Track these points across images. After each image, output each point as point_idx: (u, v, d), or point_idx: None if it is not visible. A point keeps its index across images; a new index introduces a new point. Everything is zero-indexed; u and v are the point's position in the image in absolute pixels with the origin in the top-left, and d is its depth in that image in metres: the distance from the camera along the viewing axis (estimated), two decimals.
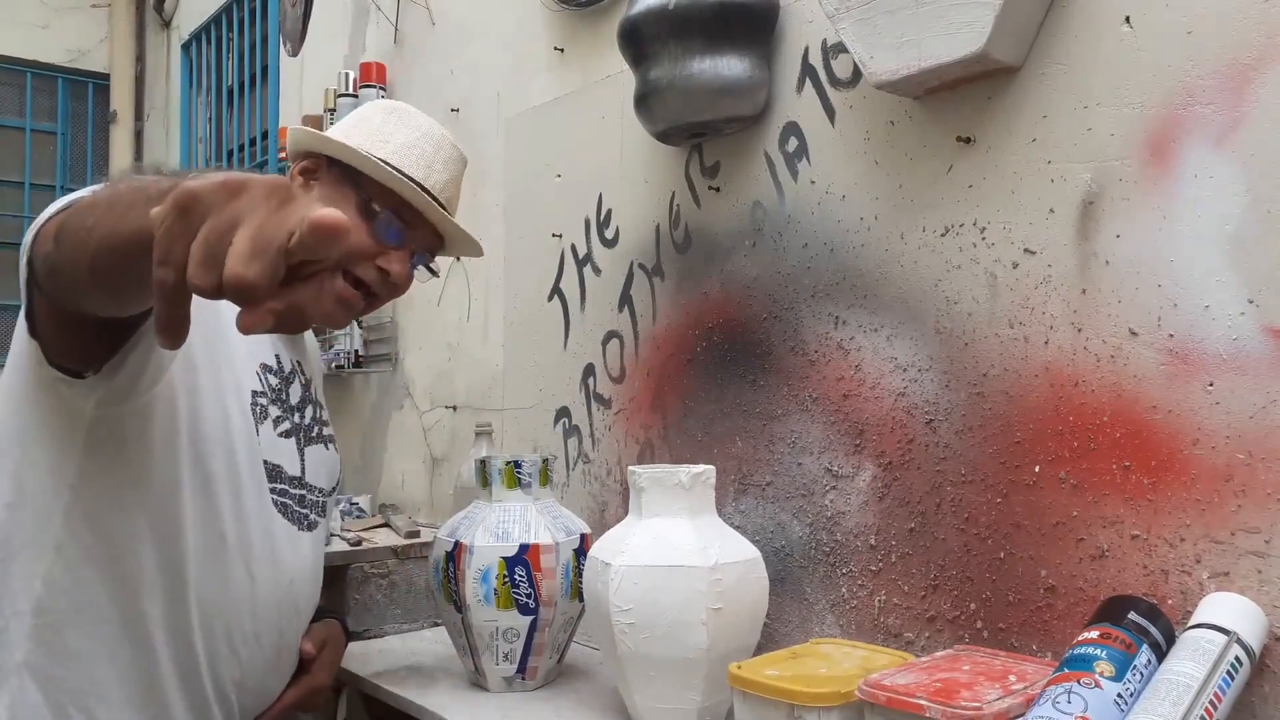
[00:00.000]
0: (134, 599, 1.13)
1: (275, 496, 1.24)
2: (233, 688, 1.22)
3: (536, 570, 1.50)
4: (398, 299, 2.64)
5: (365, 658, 1.81)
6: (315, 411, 1.39)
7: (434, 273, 1.43)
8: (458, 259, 2.39)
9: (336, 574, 2.20)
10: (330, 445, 1.41)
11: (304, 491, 1.32)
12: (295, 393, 1.34)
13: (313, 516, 1.34)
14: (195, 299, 1.12)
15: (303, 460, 1.32)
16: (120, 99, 5.06)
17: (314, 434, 1.36)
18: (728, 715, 1.28)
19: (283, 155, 3.14)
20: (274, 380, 1.29)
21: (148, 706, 1.15)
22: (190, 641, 1.17)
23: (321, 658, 1.41)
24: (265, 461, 1.23)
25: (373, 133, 1.33)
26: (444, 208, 1.36)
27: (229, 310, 1.24)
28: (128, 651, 1.14)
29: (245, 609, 1.21)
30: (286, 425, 1.29)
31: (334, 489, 1.42)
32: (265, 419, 1.24)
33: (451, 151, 1.38)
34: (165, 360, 1.09)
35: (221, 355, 1.18)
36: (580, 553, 1.55)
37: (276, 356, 1.31)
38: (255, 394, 1.23)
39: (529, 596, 1.49)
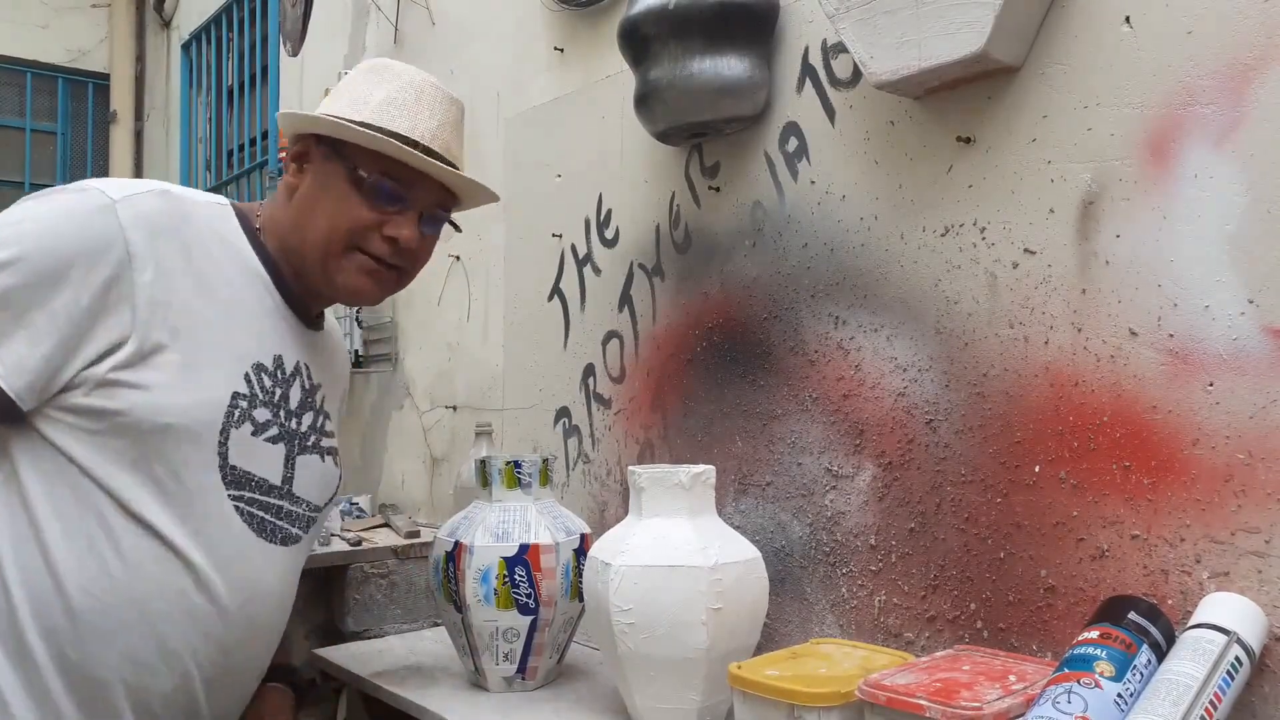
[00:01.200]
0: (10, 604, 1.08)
1: (240, 504, 1.16)
2: (161, 704, 1.14)
3: (536, 570, 1.50)
4: (400, 297, 2.65)
5: (365, 658, 1.81)
6: (317, 420, 1.30)
7: (456, 227, 1.36)
8: (458, 258, 2.39)
9: (336, 574, 2.20)
10: (328, 458, 1.32)
11: (284, 503, 1.22)
12: (294, 397, 1.25)
13: (293, 531, 1.25)
14: (181, 279, 1.11)
15: (290, 470, 1.23)
16: (120, 99, 5.06)
17: (309, 444, 1.28)
18: (728, 715, 1.28)
19: (282, 155, 3.14)
20: (268, 382, 1.20)
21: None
22: (86, 652, 1.09)
23: None
24: (233, 467, 1.15)
25: (354, 98, 1.23)
26: (441, 156, 1.25)
27: (230, 306, 1.16)
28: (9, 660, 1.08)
29: (181, 620, 1.12)
30: (274, 431, 1.20)
31: (328, 504, 1.33)
32: (243, 422, 1.15)
33: (436, 95, 1.27)
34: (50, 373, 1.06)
35: (205, 355, 1.13)
36: (580, 553, 1.55)
37: (278, 357, 1.23)
38: (237, 396, 1.15)
39: (529, 596, 1.49)
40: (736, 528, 1.46)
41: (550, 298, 2.06)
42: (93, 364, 1.06)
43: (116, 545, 1.09)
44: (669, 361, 1.75)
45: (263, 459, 1.18)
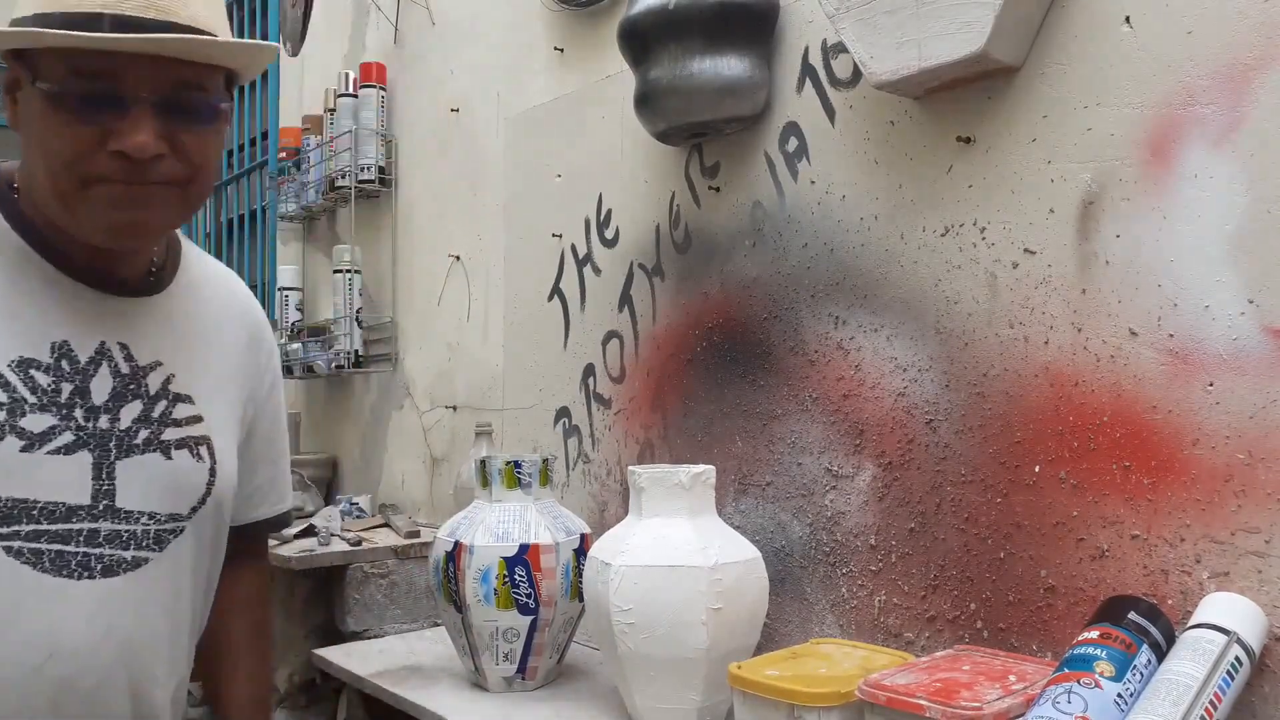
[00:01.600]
0: None
1: (13, 543, 0.92)
2: None
3: (536, 570, 1.50)
4: (400, 297, 2.65)
5: (365, 657, 1.81)
6: (154, 409, 1.02)
7: (224, 107, 0.98)
8: (458, 258, 2.39)
9: (336, 574, 2.21)
10: (181, 452, 1.03)
11: (103, 524, 0.97)
12: (100, 387, 0.99)
13: (125, 555, 0.98)
14: None
15: (107, 481, 0.97)
16: None
17: (139, 441, 1.00)
18: (728, 715, 1.29)
19: (282, 155, 3.15)
20: (43, 378, 0.95)
21: None
22: None
23: None
24: None
25: None
26: (151, 21, 0.90)
27: None
28: None
29: None
30: (67, 438, 0.95)
31: (199, 508, 1.04)
32: (3, 437, 0.92)
33: None
34: None
35: None
36: (580, 553, 1.55)
37: (62, 344, 0.97)
38: None
39: (529, 596, 1.50)
40: (736, 528, 1.47)
41: (550, 298, 2.06)
42: None
43: None
44: (669, 361, 1.75)
45: (49, 477, 0.94)
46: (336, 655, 1.84)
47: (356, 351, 2.78)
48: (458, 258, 2.39)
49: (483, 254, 2.31)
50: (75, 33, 0.87)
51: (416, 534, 2.34)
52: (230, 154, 4.08)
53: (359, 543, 2.28)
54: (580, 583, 1.52)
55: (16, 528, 0.92)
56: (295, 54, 3.06)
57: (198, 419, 1.05)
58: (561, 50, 2.06)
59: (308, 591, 2.47)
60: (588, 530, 1.61)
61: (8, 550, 0.91)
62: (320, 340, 2.83)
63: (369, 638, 2.10)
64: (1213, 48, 1.06)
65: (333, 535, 2.32)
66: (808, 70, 1.52)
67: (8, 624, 0.91)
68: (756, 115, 1.58)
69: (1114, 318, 1.14)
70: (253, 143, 3.87)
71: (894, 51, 1.28)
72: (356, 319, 2.79)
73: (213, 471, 1.05)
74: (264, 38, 3.69)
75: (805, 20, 1.52)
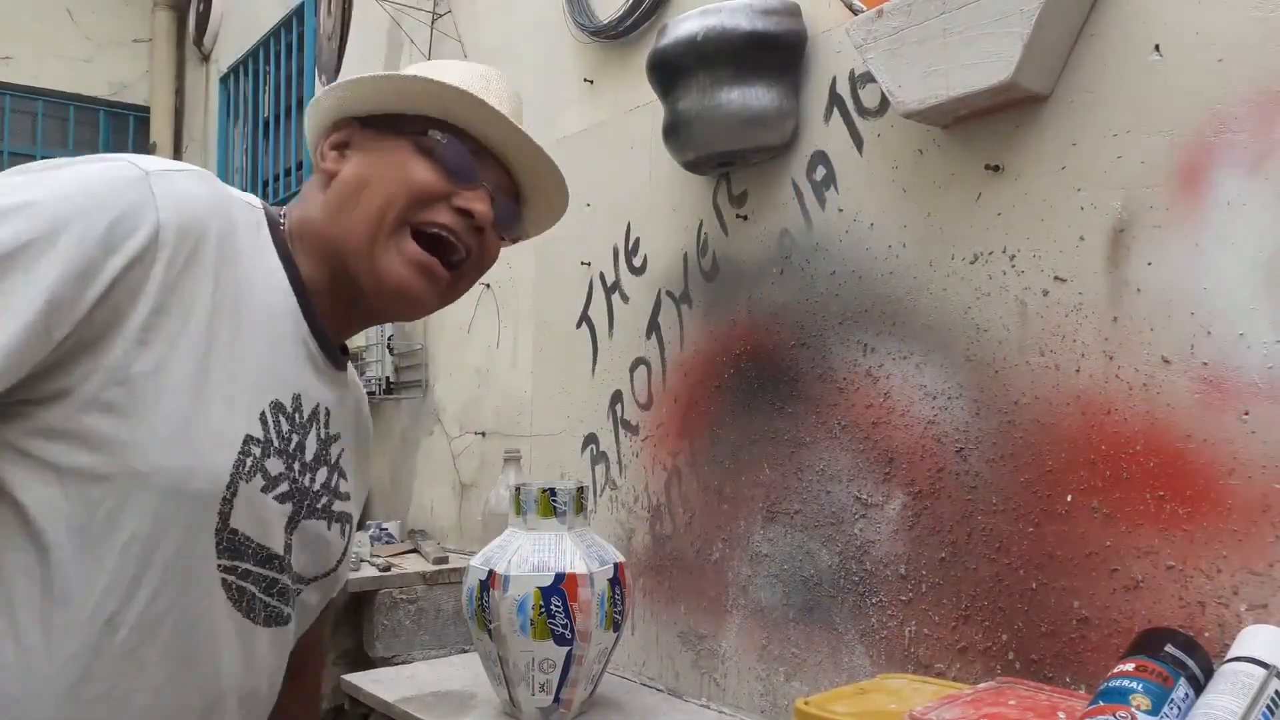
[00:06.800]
0: None
1: (230, 578, 0.89)
2: None
3: (573, 600, 1.47)
4: (431, 324, 2.67)
5: (394, 684, 1.81)
6: (331, 479, 1.02)
7: (513, 233, 1.10)
8: (488, 286, 2.40)
9: (366, 599, 2.21)
10: (336, 526, 1.03)
11: (282, 577, 0.95)
12: (311, 446, 0.98)
13: (284, 610, 0.97)
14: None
15: (290, 535, 0.96)
16: (160, 130, 5.16)
17: (319, 506, 1.00)
18: None
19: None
20: (285, 425, 0.93)
21: None
22: None
23: None
24: (233, 531, 0.87)
25: (406, 81, 0.99)
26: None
27: (253, 327, 0.92)
28: None
29: None
30: (285, 487, 0.93)
31: (316, 581, 1.04)
32: (255, 475, 0.88)
33: (504, 83, 1.06)
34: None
35: (217, 384, 0.86)
36: (615, 582, 1.53)
37: (297, 396, 0.95)
38: (250, 441, 0.88)
39: (565, 627, 1.47)
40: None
41: (579, 324, 2.07)
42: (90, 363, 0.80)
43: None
44: (696, 388, 1.75)
45: (267, 521, 0.92)
46: (364, 681, 1.84)
47: (388, 378, 2.80)
48: (488, 285, 2.41)
49: (512, 282, 2.32)
50: (496, 112, 0.97)
51: (445, 560, 2.34)
52: (265, 184, 4.15)
53: (388, 568, 2.29)
54: (615, 612, 1.50)
55: (237, 563, 0.89)
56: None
57: (348, 496, 1.07)
58: (591, 82, 2.07)
59: (336, 616, 2.49)
60: (621, 559, 1.59)
61: (225, 583, 0.89)
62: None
63: (397, 663, 2.10)
64: (1245, 75, 1.05)
65: (362, 561, 2.33)
66: (835, 100, 1.52)
67: (192, 655, 0.87)
68: (784, 144, 1.59)
69: (1147, 345, 1.12)
70: (287, 173, 3.93)
71: (922, 81, 1.28)
72: (388, 346, 2.81)
73: (344, 550, 1.08)
74: (300, 71, 3.75)
75: (833, 51, 1.53)
